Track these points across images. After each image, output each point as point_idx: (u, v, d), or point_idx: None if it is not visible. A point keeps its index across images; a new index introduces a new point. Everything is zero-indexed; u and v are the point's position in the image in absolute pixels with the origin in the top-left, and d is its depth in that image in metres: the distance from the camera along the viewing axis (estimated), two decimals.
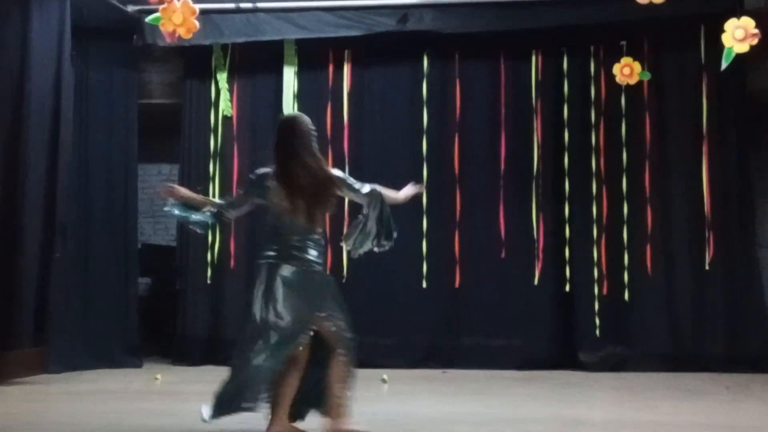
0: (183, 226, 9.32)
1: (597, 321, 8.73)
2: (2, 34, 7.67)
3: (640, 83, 8.58)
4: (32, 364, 7.93)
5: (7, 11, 7.73)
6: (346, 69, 9.22)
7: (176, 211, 5.22)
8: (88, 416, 5.87)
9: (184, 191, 5.32)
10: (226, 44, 9.20)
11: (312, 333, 4.99)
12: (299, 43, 9.16)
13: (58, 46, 8.05)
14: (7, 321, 7.58)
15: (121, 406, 6.38)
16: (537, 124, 8.99)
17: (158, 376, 8.10)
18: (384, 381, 7.71)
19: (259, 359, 4.86)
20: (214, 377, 8.13)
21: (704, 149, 8.75)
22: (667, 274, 8.75)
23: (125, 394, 7.17)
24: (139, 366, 8.79)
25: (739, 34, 6.92)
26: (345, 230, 5.54)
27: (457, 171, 9.01)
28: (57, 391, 7.23)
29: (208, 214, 5.20)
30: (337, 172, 5.15)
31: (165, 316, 9.91)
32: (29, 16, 7.82)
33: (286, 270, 4.94)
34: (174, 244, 10.52)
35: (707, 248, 8.65)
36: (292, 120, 5.22)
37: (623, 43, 8.70)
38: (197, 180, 9.27)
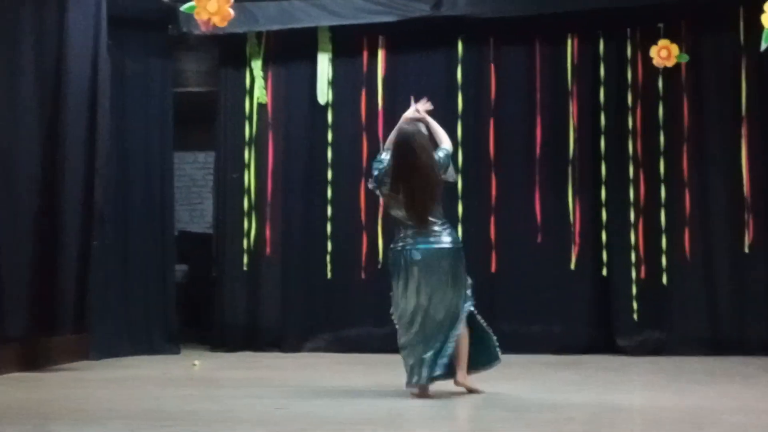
0: (219, 212, 9.48)
1: (635, 305, 8.67)
2: (40, 24, 7.72)
3: (677, 66, 8.49)
4: (73, 350, 8.04)
5: (44, 1, 7.79)
6: (381, 55, 9.20)
7: None
8: (128, 402, 5.93)
9: None
10: (261, 32, 9.22)
11: None
12: (333, 29, 9.16)
13: (94, 36, 8.09)
14: (49, 309, 7.65)
15: (159, 392, 6.43)
16: (573, 108, 8.92)
17: (196, 362, 8.16)
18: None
19: None
20: (251, 363, 8.32)
21: (743, 132, 8.64)
22: (705, 257, 8.66)
23: (164, 380, 7.24)
24: (177, 352, 8.88)
25: None
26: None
27: (492, 156, 8.98)
28: (97, 378, 7.31)
29: None
30: None
31: (202, 303, 9.98)
32: (66, 6, 7.86)
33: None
34: (210, 231, 10.59)
35: (746, 231, 8.55)
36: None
37: (660, 25, 8.60)
38: (233, 167, 9.33)
